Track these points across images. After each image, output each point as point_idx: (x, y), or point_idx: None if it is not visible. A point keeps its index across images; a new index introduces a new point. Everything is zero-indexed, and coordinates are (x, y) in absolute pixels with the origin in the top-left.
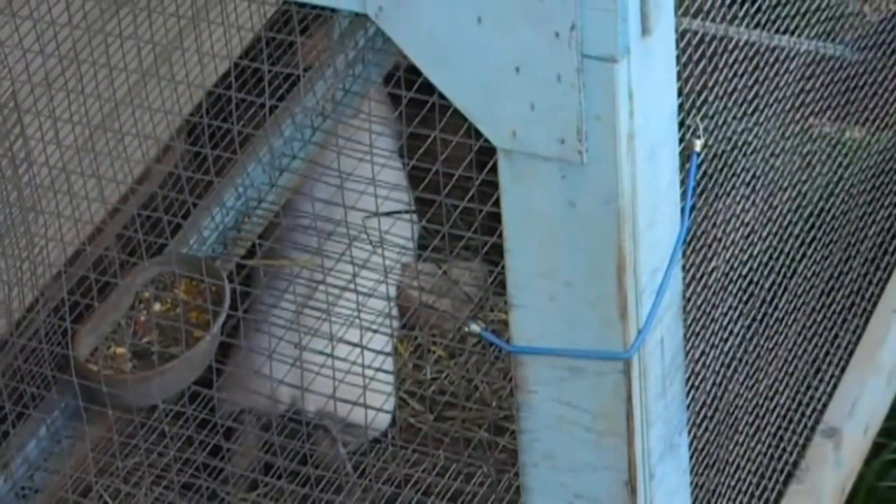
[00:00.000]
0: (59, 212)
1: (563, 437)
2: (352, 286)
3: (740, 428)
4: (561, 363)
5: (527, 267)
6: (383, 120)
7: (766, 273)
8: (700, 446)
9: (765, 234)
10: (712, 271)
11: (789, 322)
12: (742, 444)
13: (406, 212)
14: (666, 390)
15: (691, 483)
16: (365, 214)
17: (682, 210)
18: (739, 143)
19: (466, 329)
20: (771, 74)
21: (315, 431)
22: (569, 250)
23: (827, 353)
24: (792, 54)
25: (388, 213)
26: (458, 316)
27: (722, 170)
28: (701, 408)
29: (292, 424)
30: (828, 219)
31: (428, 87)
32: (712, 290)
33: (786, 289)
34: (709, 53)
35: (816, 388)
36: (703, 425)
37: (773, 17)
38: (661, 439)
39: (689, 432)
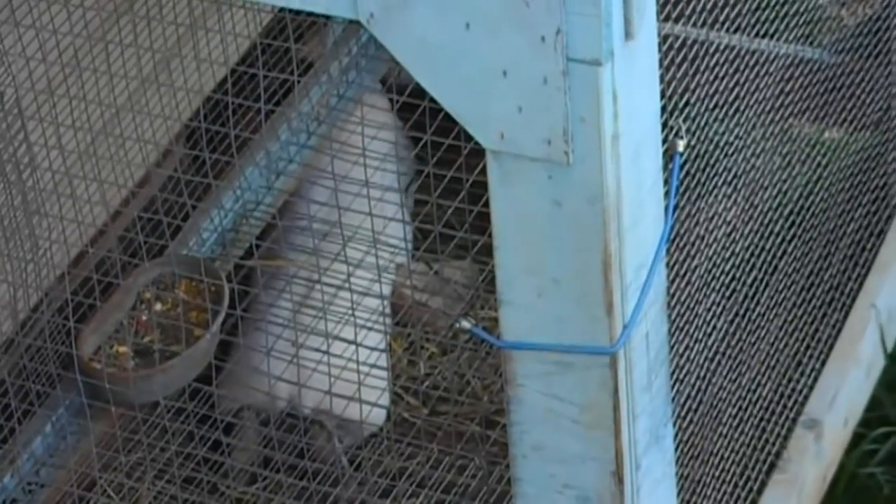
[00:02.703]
0: (63, 215)
1: (551, 430)
2: (347, 285)
3: (724, 420)
4: (549, 358)
5: (515, 265)
6: (381, 125)
7: (747, 270)
8: (685, 438)
9: (746, 231)
10: (695, 268)
11: (771, 317)
12: (726, 436)
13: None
14: (651, 383)
15: (676, 474)
16: (360, 216)
17: (666, 209)
18: (721, 144)
19: (458, 326)
20: (751, 77)
21: (312, 427)
22: (556, 248)
23: (808, 347)
24: (771, 57)
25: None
26: (450, 313)
27: (704, 169)
28: (686, 400)
29: (290, 420)
30: (807, 217)
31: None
32: (696, 286)
33: (767, 285)
34: (690, 57)
35: (798, 381)
36: (688, 417)
37: (752, 21)
38: (646, 431)
39: (675, 424)
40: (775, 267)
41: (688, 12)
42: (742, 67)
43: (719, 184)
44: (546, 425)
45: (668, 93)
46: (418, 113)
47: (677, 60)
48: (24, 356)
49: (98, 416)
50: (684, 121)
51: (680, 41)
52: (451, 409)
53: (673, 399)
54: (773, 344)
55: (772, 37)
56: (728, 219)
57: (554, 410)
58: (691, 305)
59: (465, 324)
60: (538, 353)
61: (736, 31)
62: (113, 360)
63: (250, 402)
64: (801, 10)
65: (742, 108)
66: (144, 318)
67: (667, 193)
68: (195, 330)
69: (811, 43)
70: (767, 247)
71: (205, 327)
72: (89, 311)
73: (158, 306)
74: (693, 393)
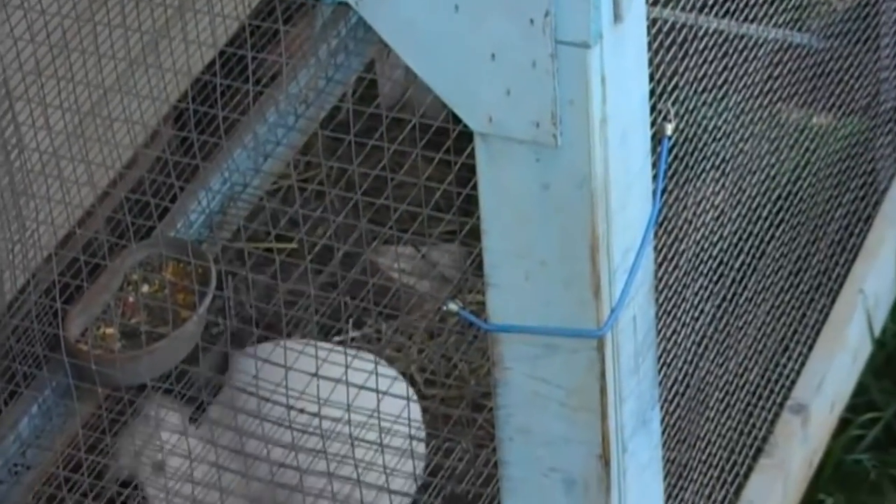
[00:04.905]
0: (50, 196)
1: (537, 413)
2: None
3: (711, 404)
4: (536, 341)
5: (502, 247)
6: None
7: (735, 254)
8: (672, 422)
9: (734, 216)
10: (683, 253)
11: (758, 302)
12: (713, 420)
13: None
14: (638, 367)
15: (663, 457)
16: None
17: (654, 192)
18: (709, 128)
19: (445, 308)
20: (739, 61)
21: None
22: (543, 231)
23: (795, 332)
24: (760, 42)
25: None
26: (438, 297)
27: (692, 154)
28: (672, 385)
29: None
30: (795, 202)
31: None
32: (683, 270)
33: (755, 269)
34: (679, 41)
35: (785, 366)
36: (675, 401)
37: (741, 5)
38: (633, 414)
39: (662, 408)
40: (763, 252)
41: None
42: (730, 52)
43: (707, 168)
44: (532, 408)
45: (657, 76)
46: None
47: (666, 44)
48: (10, 337)
49: (84, 397)
50: (672, 104)
51: (668, 25)
52: (438, 392)
53: (660, 383)
54: (760, 328)
55: (760, 21)
56: (716, 203)
57: (540, 393)
58: (679, 290)
59: (453, 306)
60: (525, 336)
61: (724, 15)
62: (100, 342)
63: None
64: None
65: (730, 92)
66: (131, 299)
67: (655, 177)
68: (182, 312)
69: (800, 28)
70: (755, 231)
71: (192, 309)
72: (76, 292)
73: (145, 288)
74: (680, 377)
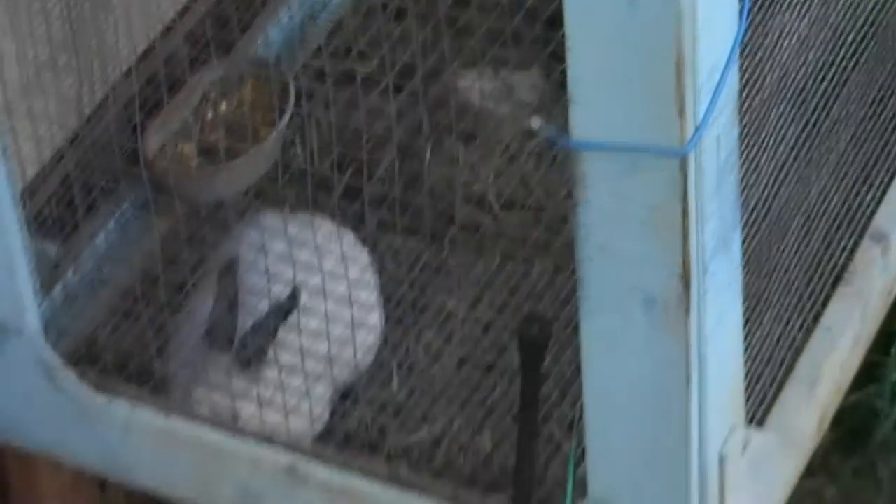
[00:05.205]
0: (130, 8)
1: (618, 231)
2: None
3: (791, 230)
4: (619, 158)
5: (588, 64)
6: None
7: (818, 81)
8: (752, 247)
9: (818, 42)
10: (766, 77)
11: (840, 129)
12: (792, 247)
13: None
14: (720, 187)
15: (742, 283)
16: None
17: (741, 11)
18: None
19: (528, 126)
20: None
21: None
22: (629, 47)
23: (877, 161)
24: None
25: None
26: (517, 119)
27: None
28: (753, 209)
29: None
30: (880, 29)
31: None
32: (767, 93)
33: (837, 97)
34: None
35: (866, 194)
36: (756, 226)
37: None
38: (714, 235)
39: (742, 232)
40: (846, 79)
41: None
42: None
43: None
44: (614, 226)
45: None
46: None
47: None
48: (88, 151)
49: (162, 212)
50: None
51: None
52: (515, 214)
53: (741, 206)
54: (841, 156)
55: None
56: (800, 29)
57: (622, 211)
58: (761, 114)
59: (535, 123)
60: (608, 154)
61: None
62: (178, 158)
63: None
64: None
65: None
66: (210, 116)
67: None
68: (261, 129)
69: None
70: (838, 59)
71: (271, 126)
72: (154, 107)
73: (224, 105)
74: (760, 203)
